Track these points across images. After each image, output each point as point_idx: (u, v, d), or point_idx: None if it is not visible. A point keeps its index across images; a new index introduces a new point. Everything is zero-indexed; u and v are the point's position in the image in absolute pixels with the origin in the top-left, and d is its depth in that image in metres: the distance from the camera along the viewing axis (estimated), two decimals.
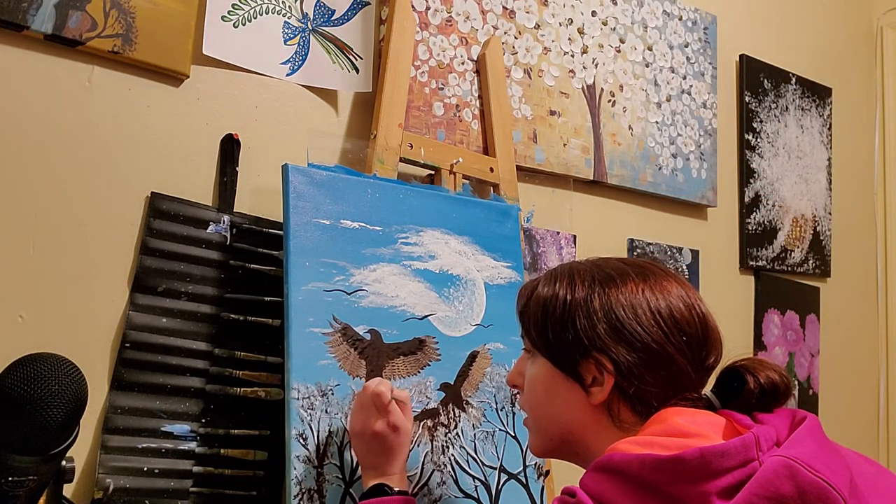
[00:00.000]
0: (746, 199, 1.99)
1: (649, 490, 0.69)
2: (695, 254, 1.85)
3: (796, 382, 2.06)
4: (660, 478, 0.68)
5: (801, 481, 0.66)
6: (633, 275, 0.84)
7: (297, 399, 1.05)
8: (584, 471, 0.76)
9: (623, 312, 0.81)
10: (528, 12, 1.56)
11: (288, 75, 1.27)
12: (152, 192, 1.13)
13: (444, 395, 1.20)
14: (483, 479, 1.21)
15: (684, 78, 1.84)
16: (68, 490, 0.95)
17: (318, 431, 1.06)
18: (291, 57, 1.27)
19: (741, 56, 2.03)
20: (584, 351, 0.82)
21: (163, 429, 1.08)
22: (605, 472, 0.72)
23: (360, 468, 1.03)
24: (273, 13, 1.26)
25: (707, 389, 0.85)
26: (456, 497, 1.17)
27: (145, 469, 1.06)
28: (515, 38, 1.54)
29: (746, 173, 2.00)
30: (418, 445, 1.15)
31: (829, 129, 2.26)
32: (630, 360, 0.79)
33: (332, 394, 1.08)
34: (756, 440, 0.71)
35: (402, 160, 1.29)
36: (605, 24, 1.69)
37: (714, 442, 0.72)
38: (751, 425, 0.76)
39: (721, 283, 1.92)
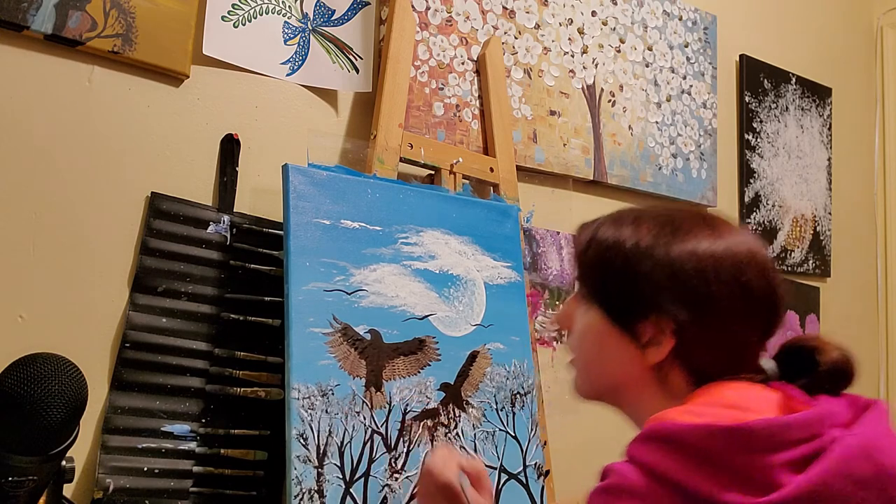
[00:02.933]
0: (746, 199, 1.99)
1: (707, 460, 0.65)
2: None
3: None
4: (724, 447, 0.65)
5: (879, 463, 0.64)
6: (706, 226, 0.76)
7: (298, 399, 1.05)
8: (624, 446, 0.71)
9: (691, 272, 0.73)
10: (528, 12, 1.56)
11: (288, 75, 1.27)
12: (152, 192, 1.13)
13: (444, 395, 1.20)
14: None
15: (684, 78, 1.84)
16: (68, 490, 0.95)
17: (319, 431, 1.06)
18: (291, 57, 1.27)
19: (741, 56, 2.03)
20: (645, 310, 0.75)
21: (163, 429, 1.08)
22: (657, 441, 0.67)
23: None
24: (273, 13, 1.26)
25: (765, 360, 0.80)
26: None
27: (145, 469, 1.06)
28: (515, 38, 1.54)
29: (746, 173, 2.00)
30: (418, 445, 1.15)
31: (829, 129, 2.26)
32: (693, 325, 0.73)
33: (333, 394, 1.08)
34: (822, 417, 0.67)
35: (402, 160, 1.29)
36: (605, 24, 1.69)
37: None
38: (809, 402, 0.72)
39: None
